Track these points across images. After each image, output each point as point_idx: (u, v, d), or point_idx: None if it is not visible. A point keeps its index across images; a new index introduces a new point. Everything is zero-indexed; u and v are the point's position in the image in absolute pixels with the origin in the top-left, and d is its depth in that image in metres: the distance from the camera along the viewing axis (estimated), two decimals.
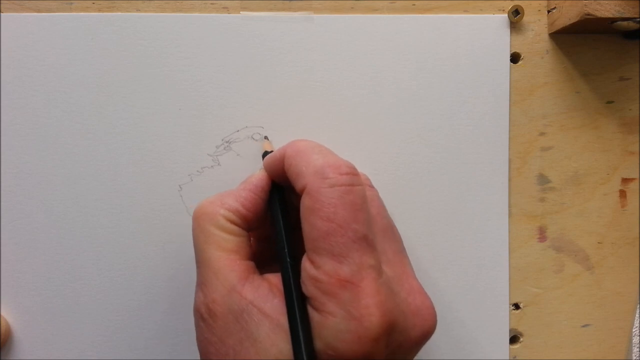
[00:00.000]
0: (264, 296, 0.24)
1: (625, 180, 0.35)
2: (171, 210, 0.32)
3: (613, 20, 0.30)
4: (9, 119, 0.31)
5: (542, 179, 0.34)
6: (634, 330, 0.35)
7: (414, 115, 0.33)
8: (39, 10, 0.31)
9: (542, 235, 0.34)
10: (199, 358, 0.31)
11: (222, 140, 0.32)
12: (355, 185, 0.24)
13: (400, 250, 0.27)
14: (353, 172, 0.24)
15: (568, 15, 0.31)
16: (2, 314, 0.31)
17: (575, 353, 0.35)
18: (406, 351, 0.25)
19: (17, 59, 0.31)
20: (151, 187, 0.32)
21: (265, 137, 0.32)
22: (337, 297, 0.22)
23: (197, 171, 0.32)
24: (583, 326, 0.35)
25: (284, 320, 0.23)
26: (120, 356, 0.32)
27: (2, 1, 0.31)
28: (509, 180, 0.34)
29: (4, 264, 0.31)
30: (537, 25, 0.33)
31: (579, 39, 0.34)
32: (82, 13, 0.31)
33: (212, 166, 0.32)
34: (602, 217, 0.35)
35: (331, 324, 0.22)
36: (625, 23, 0.30)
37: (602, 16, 0.30)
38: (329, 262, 0.23)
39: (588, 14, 0.30)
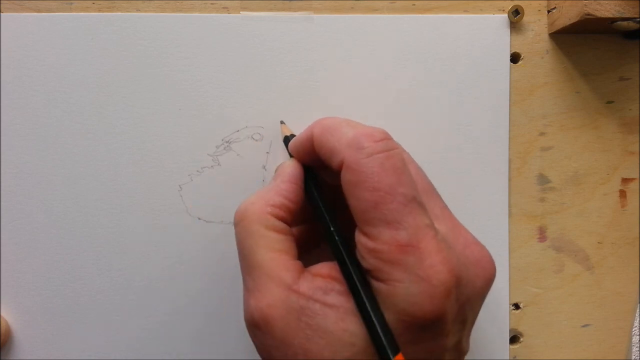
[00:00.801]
0: (322, 288, 0.24)
1: (625, 180, 0.35)
2: (171, 210, 0.32)
3: (613, 20, 0.30)
4: (9, 119, 0.31)
5: (542, 179, 0.34)
6: (634, 330, 0.35)
7: (414, 115, 0.33)
8: (39, 10, 0.31)
9: (542, 235, 0.34)
10: (198, 357, 0.31)
11: (222, 140, 0.32)
12: (392, 149, 0.23)
13: (445, 206, 0.27)
14: (387, 137, 0.24)
15: (568, 15, 0.31)
16: (2, 314, 0.31)
17: (575, 353, 0.35)
18: (474, 303, 0.25)
19: (17, 59, 0.31)
20: (151, 187, 0.32)
21: (282, 122, 0.31)
22: (401, 263, 0.22)
23: (197, 171, 0.32)
24: (583, 326, 0.35)
25: (348, 304, 0.23)
26: (120, 356, 0.32)
27: (2, 1, 0.31)
28: (509, 180, 0.34)
29: (4, 264, 0.31)
30: (537, 25, 0.33)
31: (579, 39, 0.34)
32: (82, 13, 0.31)
33: (212, 166, 0.32)
34: (602, 217, 0.35)
35: (400, 290, 0.22)
36: (625, 23, 0.30)
37: (602, 16, 0.30)
38: (385, 231, 0.22)
39: (588, 14, 0.30)
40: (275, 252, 0.24)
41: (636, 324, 0.35)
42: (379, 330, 0.22)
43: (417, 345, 0.23)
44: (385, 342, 0.22)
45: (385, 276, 0.22)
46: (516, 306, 0.34)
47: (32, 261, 0.31)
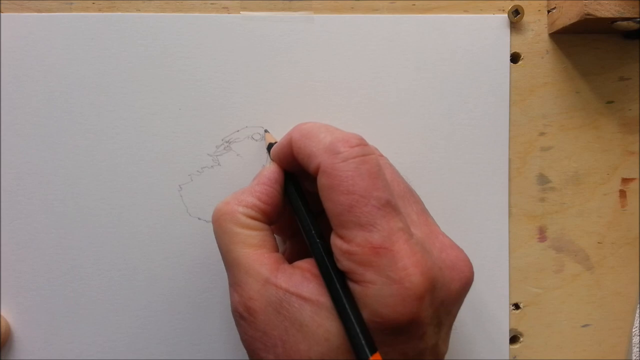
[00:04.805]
0: (299, 282, 0.24)
1: (625, 180, 0.35)
2: (171, 210, 0.32)
3: (613, 20, 0.30)
4: (9, 119, 0.31)
5: (542, 179, 0.34)
6: (634, 330, 0.35)
7: (414, 115, 0.33)
8: (39, 10, 0.31)
9: (542, 235, 0.34)
10: (198, 358, 0.31)
11: (222, 140, 0.32)
12: (367, 154, 0.24)
13: (423, 211, 0.27)
14: (363, 143, 0.24)
15: (568, 15, 0.31)
16: (2, 314, 0.31)
17: (575, 353, 0.35)
18: (449, 306, 0.25)
19: (17, 59, 0.31)
20: (151, 187, 0.32)
21: (266, 131, 0.32)
22: (374, 265, 0.22)
23: (197, 171, 0.32)
24: (583, 326, 0.35)
25: (324, 300, 0.23)
26: (120, 356, 0.32)
27: (2, 1, 0.31)
28: (509, 180, 0.34)
29: (4, 264, 0.31)
30: (537, 25, 0.33)
31: (579, 39, 0.34)
32: (82, 13, 0.31)
33: (212, 166, 0.32)
34: (602, 217, 0.35)
35: (373, 292, 0.22)
36: (625, 23, 0.30)
37: (602, 16, 0.30)
38: (359, 234, 0.23)
39: (588, 14, 0.30)
40: (249, 247, 0.25)
41: (636, 324, 0.35)
42: (357, 330, 0.22)
43: (391, 346, 0.23)
44: (363, 342, 0.22)
45: (358, 278, 0.23)
46: (516, 306, 0.34)
47: (32, 261, 0.31)
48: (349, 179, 0.23)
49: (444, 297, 0.24)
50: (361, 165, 0.23)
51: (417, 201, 0.27)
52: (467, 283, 0.26)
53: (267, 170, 0.28)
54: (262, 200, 0.26)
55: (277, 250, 0.26)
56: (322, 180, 0.24)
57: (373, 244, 0.22)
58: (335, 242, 0.24)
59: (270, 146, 0.29)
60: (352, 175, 0.23)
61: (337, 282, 0.23)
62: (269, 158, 0.29)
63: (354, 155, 0.24)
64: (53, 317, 0.32)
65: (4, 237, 0.31)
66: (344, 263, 0.23)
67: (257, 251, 0.25)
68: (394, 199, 0.24)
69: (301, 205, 0.27)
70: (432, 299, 0.23)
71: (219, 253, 0.26)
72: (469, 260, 0.26)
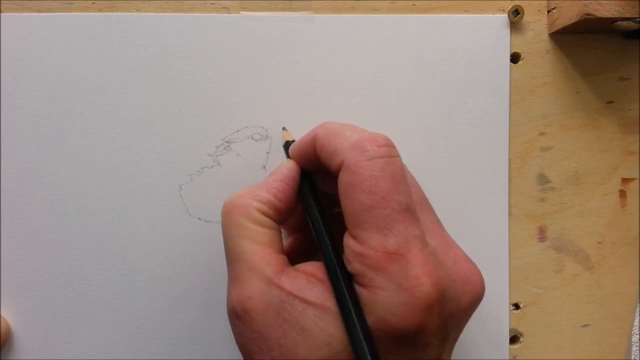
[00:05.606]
0: (304, 286, 0.23)
1: (625, 180, 0.35)
2: (171, 210, 0.32)
3: (613, 20, 0.30)
4: (9, 119, 0.31)
5: (542, 179, 0.34)
6: (633, 330, 0.35)
7: (414, 115, 0.33)
8: (39, 10, 0.31)
9: (542, 235, 0.34)
10: (197, 358, 0.31)
11: (222, 140, 0.32)
12: (393, 156, 0.23)
13: (438, 220, 0.27)
14: (390, 144, 0.24)
15: (568, 15, 0.31)
16: (2, 314, 0.31)
17: (575, 353, 0.35)
18: (458, 319, 0.24)
19: (17, 59, 0.31)
20: (151, 187, 0.32)
21: (284, 128, 0.32)
22: (385, 270, 0.22)
23: (197, 171, 0.32)
24: (583, 326, 0.35)
25: (329, 304, 0.23)
26: (120, 356, 0.32)
27: (2, 1, 0.31)
28: (509, 180, 0.34)
29: (4, 264, 0.31)
30: (537, 25, 0.33)
31: (579, 39, 0.34)
32: (82, 13, 0.31)
33: (212, 166, 0.32)
34: (602, 217, 0.35)
35: (381, 298, 0.22)
36: (625, 23, 0.30)
37: (602, 16, 0.30)
38: (375, 236, 0.22)
39: (588, 14, 0.30)
40: (257, 244, 0.25)
41: (636, 323, 0.35)
42: (361, 337, 0.22)
43: (394, 355, 0.22)
44: (366, 350, 0.21)
45: (368, 282, 0.22)
46: (516, 306, 0.34)
47: (32, 261, 0.31)
48: (372, 179, 0.23)
49: (453, 309, 0.24)
50: (386, 167, 0.23)
51: (432, 210, 0.27)
52: (477, 298, 0.25)
53: (285, 167, 0.27)
54: (277, 197, 0.26)
55: (283, 252, 0.26)
56: (343, 177, 0.23)
57: (388, 249, 0.22)
58: (348, 242, 0.23)
59: (287, 144, 0.29)
60: (376, 175, 0.23)
61: (344, 285, 0.23)
62: (277, 157, 0.29)
63: (380, 155, 0.23)
64: (53, 317, 0.32)
65: (4, 237, 0.31)
66: (354, 265, 0.23)
67: (265, 249, 0.24)
68: (414, 205, 0.23)
69: (314, 204, 0.26)
70: (440, 310, 0.22)
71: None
72: (481, 275, 0.25)
